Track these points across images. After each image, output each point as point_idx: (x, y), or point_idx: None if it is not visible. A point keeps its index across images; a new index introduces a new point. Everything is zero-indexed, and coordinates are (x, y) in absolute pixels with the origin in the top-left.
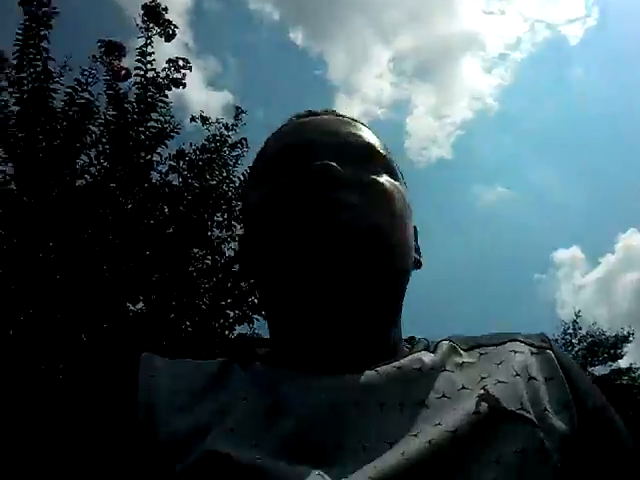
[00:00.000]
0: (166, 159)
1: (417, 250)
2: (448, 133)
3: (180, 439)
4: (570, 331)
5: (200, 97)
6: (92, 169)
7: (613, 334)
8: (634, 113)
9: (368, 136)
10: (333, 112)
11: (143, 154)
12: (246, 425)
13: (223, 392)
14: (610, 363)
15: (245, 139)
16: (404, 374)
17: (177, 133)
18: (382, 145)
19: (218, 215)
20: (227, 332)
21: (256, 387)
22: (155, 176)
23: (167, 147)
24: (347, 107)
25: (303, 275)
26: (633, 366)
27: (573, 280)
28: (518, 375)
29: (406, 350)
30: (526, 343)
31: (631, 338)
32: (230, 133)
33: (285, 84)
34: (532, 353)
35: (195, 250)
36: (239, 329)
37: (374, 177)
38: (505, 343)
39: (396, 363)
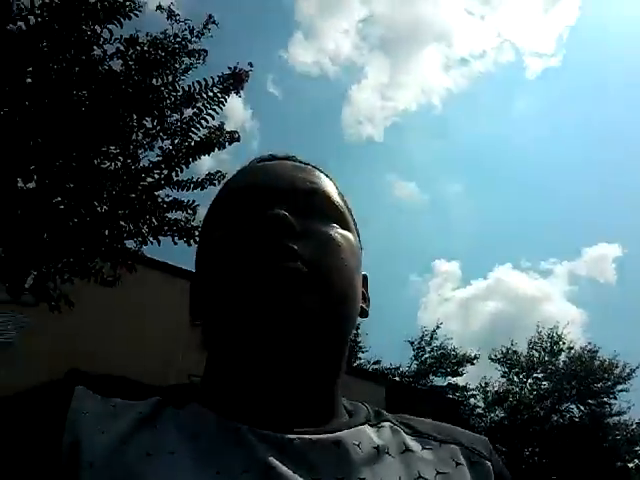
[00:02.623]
0: (115, 40)
1: (365, 298)
2: (386, 116)
3: None
4: (427, 338)
5: None
6: (31, 17)
7: (462, 352)
8: (556, 156)
9: (324, 185)
10: (294, 158)
11: (91, 23)
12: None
13: (153, 435)
14: (450, 377)
15: (205, 51)
16: (344, 449)
17: (136, 15)
18: (338, 194)
19: (147, 120)
20: (115, 244)
21: (185, 437)
22: (97, 52)
23: (121, 27)
24: (301, 50)
25: (250, 322)
26: (468, 385)
27: (441, 291)
28: None
29: (345, 413)
30: (467, 448)
31: (475, 361)
32: (193, 39)
33: (248, 5)
34: (472, 463)
35: (111, 147)
36: (128, 243)
37: (326, 229)
38: (448, 444)
39: (335, 435)
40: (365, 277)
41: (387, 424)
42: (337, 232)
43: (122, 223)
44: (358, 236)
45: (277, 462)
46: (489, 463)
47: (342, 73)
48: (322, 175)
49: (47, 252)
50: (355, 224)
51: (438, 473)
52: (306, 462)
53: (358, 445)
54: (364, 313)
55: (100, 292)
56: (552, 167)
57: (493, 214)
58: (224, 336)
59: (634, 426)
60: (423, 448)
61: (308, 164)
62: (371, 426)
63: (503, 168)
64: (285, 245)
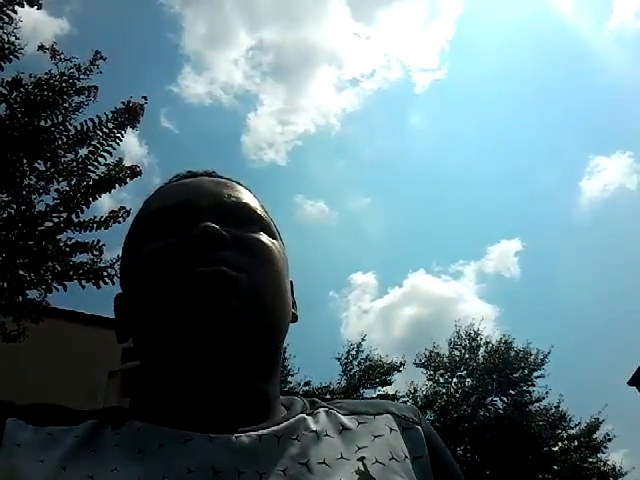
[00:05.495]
0: None
1: (294, 304)
2: (287, 140)
3: None
4: (353, 352)
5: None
6: None
7: (388, 361)
8: (452, 164)
9: (246, 198)
10: (213, 173)
11: None
12: None
13: (93, 457)
14: (379, 388)
15: (96, 87)
16: (285, 440)
17: (17, 57)
18: (260, 206)
19: (40, 162)
20: (16, 296)
21: (128, 453)
22: None
23: (2, 70)
24: (192, 83)
25: (179, 328)
26: (398, 393)
27: (360, 303)
28: (393, 459)
29: (282, 408)
30: (399, 416)
31: (401, 368)
32: (80, 76)
33: (134, 38)
34: (404, 429)
35: (2, 195)
36: (30, 294)
37: (255, 236)
38: (381, 414)
39: (277, 428)
40: (291, 283)
41: (322, 410)
42: (265, 238)
43: (22, 272)
44: (283, 244)
45: (223, 460)
46: (419, 427)
47: (237, 102)
48: (243, 189)
49: None
50: (279, 234)
51: (375, 437)
52: (251, 458)
53: (298, 434)
54: (294, 318)
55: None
56: (449, 175)
57: (401, 224)
58: (155, 346)
59: (553, 410)
60: (359, 424)
61: (229, 179)
62: (308, 415)
63: (405, 180)
64: (212, 252)
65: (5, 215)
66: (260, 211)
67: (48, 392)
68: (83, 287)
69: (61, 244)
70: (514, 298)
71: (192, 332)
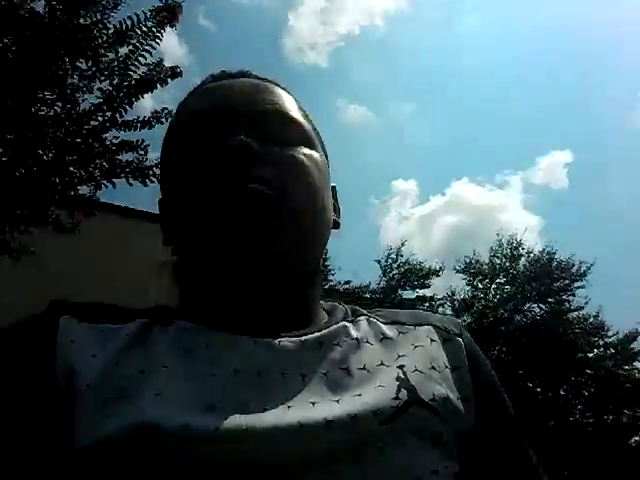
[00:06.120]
0: None
1: (336, 210)
2: (329, 42)
3: (99, 404)
4: (393, 256)
5: None
6: None
7: (427, 266)
8: (504, 69)
9: (285, 102)
10: (250, 74)
11: None
12: (169, 391)
13: (143, 354)
14: (418, 290)
15: None
16: (327, 345)
17: None
18: (299, 110)
19: (81, 61)
20: (68, 191)
21: (176, 351)
22: None
23: None
24: None
25: (220, 251)
26: (435, 296)
27: (401, 210)
28: (433, 368)
29: (324, 314)
30: (440, 328)
31: (440, 273)
32: None
33: None
34: (444, 340)
35: (46, 94)
36: (82, 189)
37: (289, 151)
38: (422, 325)
39: (319, 333)
40: (334, 188)
41: (363, 318)
42: (301, 153)
43: (72, 169)
44: (324, 150)
45: (267, 362)
46: (460, 339)
47: (278, 1)
48: (281, 92)
49: None
50: (319, 138)
51: (415, 347)
52: (295, 361)
53: (339, 341)
54: (336, 225)
55: (62, 241)
56: (500, 81)
57: (446, 131)
58: (196, 260)
59: (591, 319)
60: (400, 333)
61: (266, 79)
62: (349, 322)
63: (452, 84)
64: (247, 170)
65: (52, 113)
66: (298, 118)
67: (100, 287)
68: (130, 184)
69: (107, 142)
70: (561, 210)
71: (231, 253)
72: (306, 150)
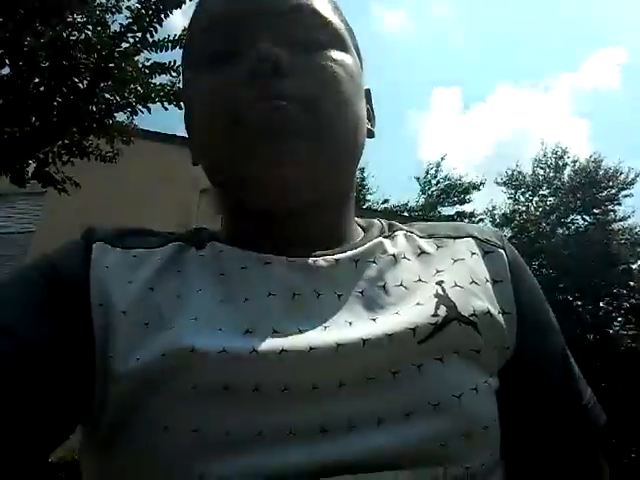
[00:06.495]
0: None
1: (370, 117)
2: None
3: (136, 330)
4: (432, 172)
5: None
6: None
7: (467, 181)
8: None
9: (314, 1)
10: None
11: None
12: (205, 316)
13: (179, 277)
14: (458, 206)
15: None
16: (363, 264)
17: None
18: (331, 10)
19: None
20: (106, 119)
21: (211, 275)
22: None
23: None
24: None
25: (244, 174)
26: (475, 211)
27: (442, 120)
28: (473, 282)
29: (360, 231)
30: (481, 240)
31: (481, 187)
32: None
33: None
34: (485, 252)
35: (76, 17)
36: (119, 116)
37: (318, 58)
38: (462, 238)
39: (354, 251)
40: (367, 91)
41: (401, 232)
42: (331, 58)
43: (107, 96)
44: (357, 50)
45: (301, 282)
46: (502, 251)
47: None
48: None
49: (40, 137)
50: (353, 37)
51: (455, 261)
52: (329, 280)
53: (375, 257)
54: (371, 134)
55: (100, 171)
56: None
57: (488, 34)
58: (220, 184)
59: (637, 229)
60: (438, 247)
61: None
62: (385, 237)
63: None
64: (271, 85)
65: (83, 37)
66: (328, 18)
67: (142, 213)
68: (166, 109)
69: (140, 65)
70: (611, 113)
71: (254, 179)
72: (337, 54)
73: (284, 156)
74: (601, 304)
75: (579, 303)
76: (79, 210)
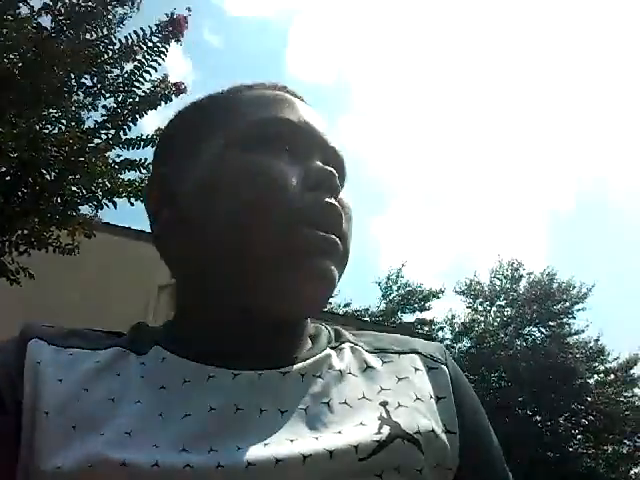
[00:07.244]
0: None
1: None
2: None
3: (63, 431)
4: (393, 277)
5: None
6: None
7: (427, 288)
8: None
9: (336, 138)
10: (301, 97)
11: None
12: (140, 430)
13: (117, 382)
14: (418, 313)
15: None
16: (309, 377)
17: None
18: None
19: (87, 78)
20: (70, 211)
21: (151, 387)
22: (23, 10)
23: None
24: None
25: (271, 275)
26: (435, 319)
27: (401, 220)
28: (418, 399)
29: (308, 341)
30: (425, 355)
31: (441, 295)
32: None
33: None
34: (429, 368)
35: (51, 111)
36: (83, 209)
37: (347, 200)
38: (406, 353)
39: (302, 365)
40: None
41: (347, 345)
42: (348, 196)
43: (74, 189)
44: None
45: (245, 397)
46: (445, 367)
47: (282, 16)
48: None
49: None
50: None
51: (399, 380)
52: (274, 395)
53: (322, 372)
54: None
55: (57, 262)
56: None
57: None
58: (215, 279)
59: (592, 343)
60: (383, 363)
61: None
62: (332, 349)
63: None
64: (336, 212)
65: (56, 131)
66: (342, 153)
67: (100, 306)
68: (132, 204)
69: (110, 161)
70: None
71: (295, 288)
72: (346, 193)
73: (327, 273)
74: (560, 420)
75: (538, 418)
76: (31, 301)
